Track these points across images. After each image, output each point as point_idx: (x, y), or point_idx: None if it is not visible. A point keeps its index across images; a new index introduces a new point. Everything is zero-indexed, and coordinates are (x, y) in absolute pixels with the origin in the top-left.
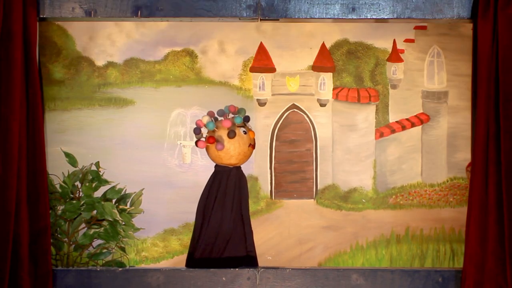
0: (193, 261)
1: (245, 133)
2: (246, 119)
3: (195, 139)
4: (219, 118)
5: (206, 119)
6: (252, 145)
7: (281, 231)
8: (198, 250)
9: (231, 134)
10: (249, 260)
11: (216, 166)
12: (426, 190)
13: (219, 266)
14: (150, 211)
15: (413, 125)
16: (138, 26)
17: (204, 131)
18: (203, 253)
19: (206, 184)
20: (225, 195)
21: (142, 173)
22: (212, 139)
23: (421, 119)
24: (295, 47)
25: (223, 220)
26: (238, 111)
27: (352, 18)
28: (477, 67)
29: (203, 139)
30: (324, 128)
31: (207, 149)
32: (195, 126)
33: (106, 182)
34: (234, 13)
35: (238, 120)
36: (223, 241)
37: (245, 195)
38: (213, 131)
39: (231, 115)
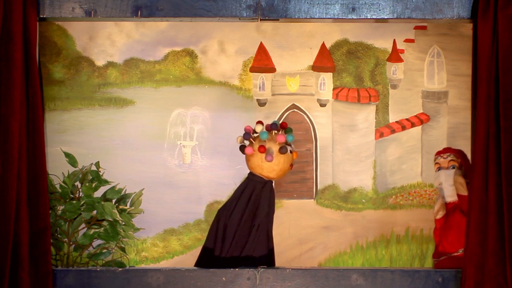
0: (213, 261)
1: (291, 152)
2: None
3: (238, 144)
4: (255, 132)
5: (260, 128)
6: (292, 165)
7: (281, 231)
8: (223, 253)
9: (284, 150)
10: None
11: (251, 174)
12: (426, 190)
13: (239, 266)
14: (150, 211)
15: (413, 125)
16: (138, 26)
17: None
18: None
19: (237, 189)
20: (258, 206)
21: (142, 173)
22: (263, 149)
23: (421, 119)
24: (295, 47)
25: (251, 230)
26: (288, 129)
27: (352, 18)
28: (477, 67)
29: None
30: (324, 128)
31: (249, 156)
32: (244, 132)
33: (106, 182)
34: (234, 13)
35: (290, 139)
36: (249, 252)
37: (273, 211)
38: (265, 141)
39: (281, 131)
